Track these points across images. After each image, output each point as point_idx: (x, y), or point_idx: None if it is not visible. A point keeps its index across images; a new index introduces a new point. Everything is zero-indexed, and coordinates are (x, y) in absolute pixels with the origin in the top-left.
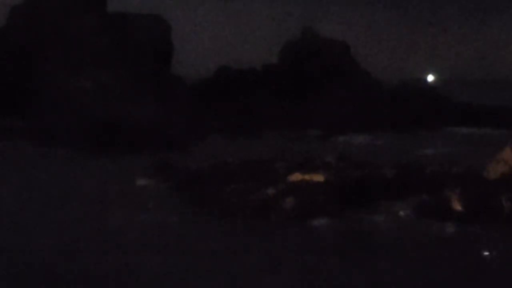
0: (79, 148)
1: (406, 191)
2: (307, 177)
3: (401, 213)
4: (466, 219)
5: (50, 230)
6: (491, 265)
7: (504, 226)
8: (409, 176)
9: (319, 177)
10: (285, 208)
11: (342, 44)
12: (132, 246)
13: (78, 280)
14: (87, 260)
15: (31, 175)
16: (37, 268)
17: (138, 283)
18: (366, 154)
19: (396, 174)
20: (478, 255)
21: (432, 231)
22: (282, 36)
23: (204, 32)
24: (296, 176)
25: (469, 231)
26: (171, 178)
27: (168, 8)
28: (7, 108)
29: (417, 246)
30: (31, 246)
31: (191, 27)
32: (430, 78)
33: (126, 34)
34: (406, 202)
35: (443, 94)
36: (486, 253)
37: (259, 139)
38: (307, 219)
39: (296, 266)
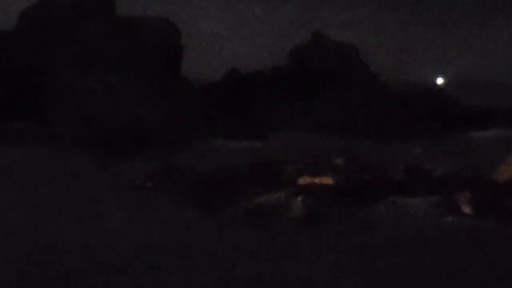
0: (87, 149)
1: (415, 194)
2: (316, 180)
3: (410, 215)
4: (476, 222)
5: (57, 231)
6: (500, 269)
7: None
8: (418, 179)
9: (328, 180)
10: (294, 211)
11: (351, 47)
12: (136, 249)
13: (79, 282)
14: (89, 263)
15: (38, 176)
16: (42, 269)
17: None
18: (375, 157)
19: (405, 177)
20: (487, 258)
21: (441, 234)
22: (291, 39)
23: (213, 35)
24: (305, 179)
25: (479, 234)
26: (179, 181)
27: (178, 11)
28: (16, 111)
29: (426, 249)
30: (36, 247)
31: (200, 30)
32: (440, 81)
33: (135, 37)
34: (415, 204)
35: (452, 96)
36: None
37: (267, 142)
38: (316, 222)
39: (305, 269)
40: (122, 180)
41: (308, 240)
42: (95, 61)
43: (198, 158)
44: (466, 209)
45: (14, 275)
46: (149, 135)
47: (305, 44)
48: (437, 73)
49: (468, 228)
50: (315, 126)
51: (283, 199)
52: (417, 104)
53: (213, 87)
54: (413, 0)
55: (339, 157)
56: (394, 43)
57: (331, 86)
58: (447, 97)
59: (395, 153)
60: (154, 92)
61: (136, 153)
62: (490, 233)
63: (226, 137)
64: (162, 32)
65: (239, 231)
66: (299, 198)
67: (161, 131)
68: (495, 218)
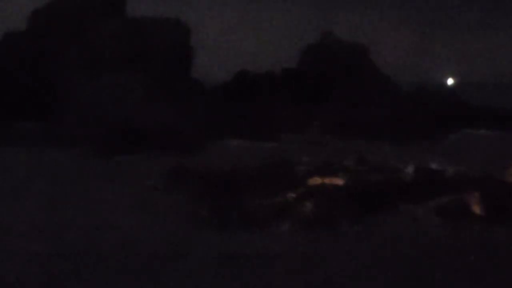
0: (98, 149)
1: (426, 195)
2: (326, 180)
3: (421, 216)
4: (486, 222)
5: (69, 230)
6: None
7: None
8: (428, 180)
9: (338, 181)
10: (305, 212)
11: (362, 48)
12: (148, 250)
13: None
14: (99, 262)
15: (48, 176)
16: (56, 268)
17: (152, 285)
18: (385, 158)
19: (415, 178)
20: (498, 258)
21: (451, 235)
22: (302, 40)
23: (223, 36)
24: (315, 180)
25: (489, 234)
26: (189, 182)
27: (187, 12)
28: (26, 111)
29: (436, 249)
30: (49, 247)
31: (210, 31)
32: (450, 81)
33: (145, 37)
34: (425, 205)
35: (463, 97)
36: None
37: (278, 143)
38: (327, 222)
39: (316, 269)
40: (133, 180)
41: (318, 241)
42: (105, 61)
43: (209, 159)
44: (477, 210)
45: (21, 272)
46: (160, 135)
47: (315, 45)
48: (448, 73)
49: (479, 232)
50: (326, 127)
51: (293, 199)
52: (427, 105)
53: (224, 88)
54: (423, 1)
55: (350, 158)
56: (404, 43)
57: (341, 86)
58: (458, 97)
59: (406, 153)
60: (164, 93)
61: (147, 154)
62: (502, 234)
63: (237, 138)
64: (172, 32)
65: (250, 230)
66: (310, 198)
67: (172, 131)
68: (506, 219)
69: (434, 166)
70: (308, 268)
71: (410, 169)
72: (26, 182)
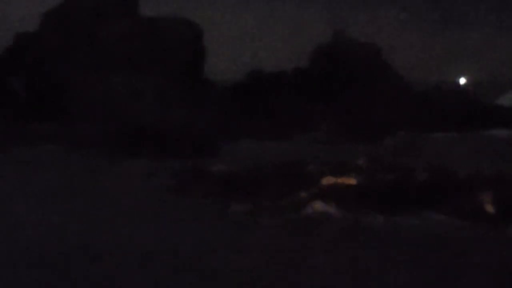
0: (111, 150)
1: (439, 194)
2: (339, 180)
3: (434, 216)
4: (499, 222)
5: (79, 232)
6: None
7: None
8: (441, 179)
9: (351, 180)
10: (318, 211)
11: (374, 47)
12: (161, 250)
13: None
14: (111, 265)
15: (61, 178)
16: (70, 270)
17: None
18: (398, 157)
19: (429, 177)
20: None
21: (464, 235)
22: (314, 39)
23: (235, 36)
24: (328, 179)
25: (503, 234)
26: (202, 181)
27: (200, 12)
28: (39, 112)
29: (449, 250)
30: (60, 248)
31: (222, 31)
32: (462, 80)
33: (157, 38)
34: (438, 205)
35: (475, 96)
36: None
37: (290, 142)
38: (340, 222)
39: (328, 270)
40: (147, 181)
41: (331, 239)
42: (117, 62)
43: (222, 159)
44: (489, 209)
45: (31, 273)
46: (172, 136)
47: (327, 45)
48: (460, 72)
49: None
50: (338, 126)
51: (306, 199)
52: (440, 104)
53: (236, 88)
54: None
55: (363, 158)
56: (416, 42)
57: (353, 86)
58: (470, 96)
59: (418, 153)
60: (176, 93)
61: (159, 154)
62: None
63: (249, 138)
64: (184, 33)
65: (262, 230)
66: (323, 198)
67: (184, 132)
68: None
69: (447, 165)
70: (317, 269)
71: (423, 169)
72: (35, 183)
